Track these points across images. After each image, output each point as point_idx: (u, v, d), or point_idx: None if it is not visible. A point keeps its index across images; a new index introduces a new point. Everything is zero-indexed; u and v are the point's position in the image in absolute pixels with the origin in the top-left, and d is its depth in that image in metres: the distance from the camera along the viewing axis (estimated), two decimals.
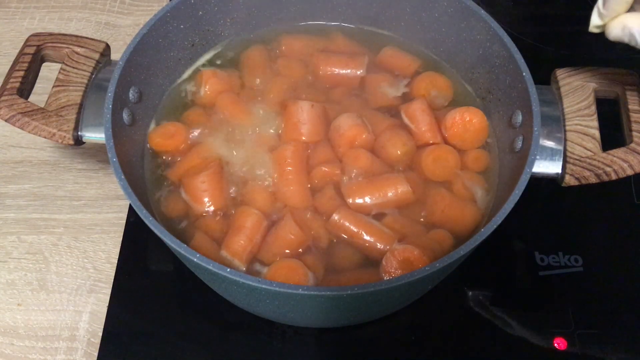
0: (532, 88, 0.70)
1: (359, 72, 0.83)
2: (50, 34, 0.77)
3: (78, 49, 0.76)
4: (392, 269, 0.67)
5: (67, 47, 0.76)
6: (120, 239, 0.85)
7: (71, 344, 0.78)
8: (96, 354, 0.76)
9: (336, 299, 0.61)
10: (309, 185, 0.75)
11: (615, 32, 0.58)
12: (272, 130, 0.79)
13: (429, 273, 0.59)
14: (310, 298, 0.61)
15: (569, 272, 0.82)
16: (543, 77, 0.76)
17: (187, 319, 0.79)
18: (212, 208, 0.73)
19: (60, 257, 0.85)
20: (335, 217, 0.71)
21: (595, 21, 0.59)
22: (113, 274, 0.82)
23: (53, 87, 0.74)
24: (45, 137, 0.72)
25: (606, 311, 0.79)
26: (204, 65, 0.86)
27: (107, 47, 0.78)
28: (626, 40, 0.57)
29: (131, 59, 0.73)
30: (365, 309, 0.72)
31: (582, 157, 0.69)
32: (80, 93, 0.74)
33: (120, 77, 0.71)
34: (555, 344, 0.76)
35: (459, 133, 0.77)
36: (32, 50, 0.75)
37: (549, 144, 0.70)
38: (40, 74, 0.78)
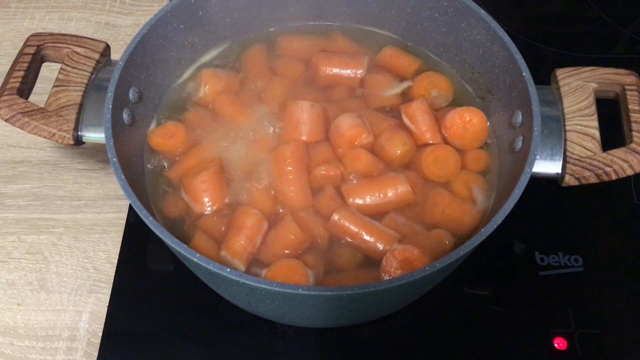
0: (532, 88, 0.70)
1: (359, 72, 0.83)
2: (50, 34, 0.77)
3: (78, 49, 0.76)
4: (392, 269, 0.67)
5: (67, 47, 0.76)
6: (120, 239, 0.85)
7: (71, 344, 0.78)
8: (96, 354, 0.76)
9: (336, 299, 0.61)
10: (309, 186, 0.75)
11: None
12: (272, 130, 0.79)
13: (429, 273, 0.59)
14: (310, 298, 0.61)
15: (569, 272, 0.82)
16: (543, 77, 0.76)
17: (187, 319, 0.79)
18: (212, 208, 0.73)
19: (60, 257, 0.85)
20: (336, 217, 0.71)
21: None
22: (113, 274, 0.82)
23: (53, 87, 0.74)
24: (45, 137, 0.72)
25: (606, 311, 0.79)
26: (204, 65, 0.86)
27: (107, 47, 0.78)
28: None
29: (131, 59, 0.73)
30: (366, 309, 0.72)
31: (582, 157, 0.69)
32: (80, 93, 0.74)
33: (120, 77, 0.71)
34: (555, 344, 0.76)
35: (459, 133, 0.77)
36: (32, 50, 0.75)
37: (549, 144, 0.70)
38: (40, 74, 0.78)
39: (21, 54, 0.75)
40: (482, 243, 0.61)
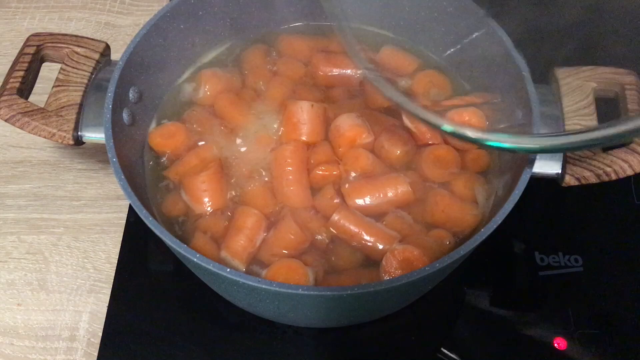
0: (531, 88, 0.70)
1: (358, 72, 0.83)
2: (50, 34, 0.77)
3: (78, 49, 0.76)
4: (392, 269, 0.67)
5: (67, 47, 0.76)
6: (120, 239, 0.85)
7: (71, 344, 0.78)
8: (96, 354, 0.76)
9: (336, 299, 0.61)
10: (309, 185, 0.75)
11: None
12: (272, 130, 0.79)
13: (429, 273, 0.59)
14: (310, 298, 0.61)
15: (569, 272, 0.82)
16: (543, 76, 0.76)
17: (187, 319, 0.79)
18: (212, 208, 0.73)
19: (60, 257, 0.85)
20: (336, 217, 0.71)
21: None
22: (113, 274, 0.82)
23: (53, 87, 0.74)
24: (45, 137, 0.72)
25: (606, 311, 0.79)
26: (204, 65, 0.86)
27: (107, 47, 0.78)
28: None
29: (131, 59, 0.73)
30: (366, 309, 0.72)
31: (582, 157, 0.69)
32: (80, 93, 0.73)
33: (120, 77, 0.71)
34: (555, 344, 0.76)
35: None
36: (32, 50, 0.75)
37: None
38: (40, 74, 0.78)
39: (21, 54, 0.75)
40: (482, 243, 0.61)
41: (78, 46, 0.76)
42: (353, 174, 0.75)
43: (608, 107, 0.74)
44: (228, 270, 0.59)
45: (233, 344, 0.77)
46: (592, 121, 0.71)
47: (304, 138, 0.77)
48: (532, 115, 0.68)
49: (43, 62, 0.78)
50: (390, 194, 0.73)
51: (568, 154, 0.69)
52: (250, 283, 0.58)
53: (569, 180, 0.69)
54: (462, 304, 0.80)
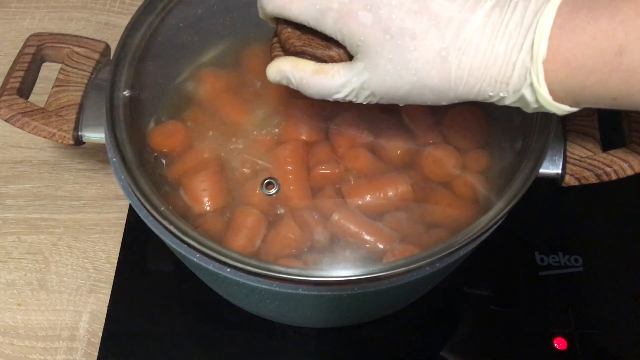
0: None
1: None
2: (50, 34, 0.77)
3: (78, 49, 0.76)
4: None
5: (67, 47, 0.76)
6: (120, 239, 0.85)
7: (71, 344, 0.78)
8: (96, 354, 0.76)
9: (336, 299, 0.61)
10: (309, 185, 0.75)
11: (272, 75, 0.59)
12: (271, 130, 0.78)
13: (429, 273, 0.59)
14: (310, 298, 0.61)
15: (569, 272, 0.82)
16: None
17: (187, 319, 0.79)
18: (211, 208, 0.73)
19: (60, 257, 0.85)
20: (336, 216, 0.71)
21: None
22: (113, 274, 0.82)
23: (53, 87, 0.74)
24: (45, 137, 0.72)
25: (606, 311, 0.79)
26: (203, 64, 0.86)
27: (107, 47, 0.78)
28: (284, 82, 0.58)
29: (131, 58, 0.73)
30: (366, 309, 0.72)
31: (582, 157, 0.69)
32: (80, 93, 0.73)
33: (120, 77, 0.71)
34: (555, 344, 0.76)
35: (459, 133, 0.77)
36: (32, 50, 0.75)
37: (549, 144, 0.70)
38: (40, 74, 0.78)
39: (21, 54, 0.75)
40: (482, 243, 0.61)
41: (78, 46, 0.76)
42: (353, 174, 0.75)
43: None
44: (228, 270, 0.59)
45: (233, 344, 0.77)
46: (593, 122, 0.71)
47: (303, 137, 0.76)
48: (532, 115, 0.68)
49: (43, 62, 0.78)
50: (390, 194, 0.73)
51: (568, 154, 0.69)
52: (250, 283, 0.58)
53: (569, 180, 0.69)
54: (462, 304, 0.80)
